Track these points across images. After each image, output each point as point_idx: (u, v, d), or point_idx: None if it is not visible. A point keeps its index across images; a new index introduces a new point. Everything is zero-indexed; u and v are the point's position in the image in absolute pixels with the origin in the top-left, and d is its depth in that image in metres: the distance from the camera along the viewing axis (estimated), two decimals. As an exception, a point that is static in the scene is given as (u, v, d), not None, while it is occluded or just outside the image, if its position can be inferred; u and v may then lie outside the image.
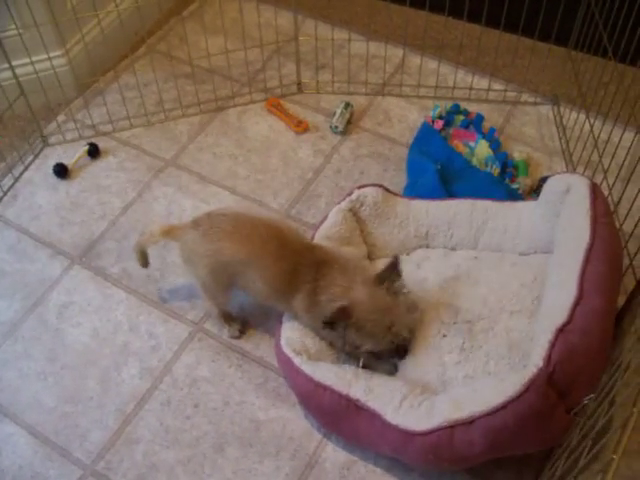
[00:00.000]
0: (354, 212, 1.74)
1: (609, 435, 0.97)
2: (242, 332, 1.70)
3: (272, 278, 1.51)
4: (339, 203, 1.75)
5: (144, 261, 1.71)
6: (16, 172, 2.04)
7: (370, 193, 1.74)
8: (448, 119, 2.08)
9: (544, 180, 1.71)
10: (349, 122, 2.14)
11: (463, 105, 2.14)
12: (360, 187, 1.76)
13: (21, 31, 1.95)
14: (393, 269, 1.46)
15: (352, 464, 1.48)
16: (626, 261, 1.62)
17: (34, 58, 2.00)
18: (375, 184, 1.77)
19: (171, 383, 1.61)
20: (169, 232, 1.61)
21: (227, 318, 1.68)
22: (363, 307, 1.42)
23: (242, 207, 1.90)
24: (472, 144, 2.02)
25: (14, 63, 1.97)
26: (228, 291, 1.62)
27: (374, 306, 1.43)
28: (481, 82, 2.22)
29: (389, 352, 1.49)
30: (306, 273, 1.48)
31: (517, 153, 2.02)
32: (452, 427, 1.28)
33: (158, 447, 1.52)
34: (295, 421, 1.55)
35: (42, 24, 1.94)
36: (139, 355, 1.66)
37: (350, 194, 1.75)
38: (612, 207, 1.63)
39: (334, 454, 1.49)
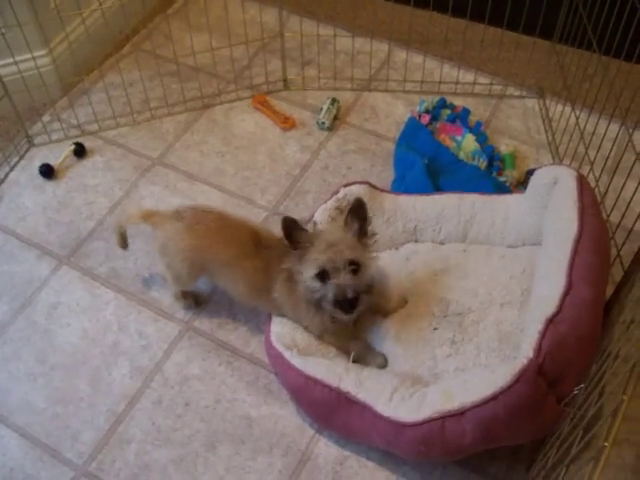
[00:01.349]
0: (341, 210, 1.74)
1: (600, 424, 0.97)
2: (198, 304, 1.73)
3: (249, 278, 1.54)
4: (325, 202, 1.75)
5: (123, 242, 1.71)
6: (1, 173, 2.02)
7: (357, 190, 1.74)
8: (434, 113, 2.08)
9: (531, 173, 1.72)
10: (336, 118, 2.14)
11: (449, 99, 2.14)
12: (346, 185, 1.76)
13: (4, 31, 1.93)
14: (359, 209, 1.44)
15: (345, 459, 1.48)
16: (613, 252, 1.63)
17: (18, 58, 1.99)
18: (361, 181, 1.77)
19: (162, 382, 1.61)
20: (149, 217, 1.62)
21: (183, 293, 1.71)
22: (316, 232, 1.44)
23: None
24: (459, 138, 2.02)
25: (-3, 63, 1.97)
26: (197, 280, 1.66)
27: (324, 234, 1.44)
28: (467, 76, 2.22)
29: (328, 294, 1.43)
30: (279, 263, 1.49)
31: (504, 146, 2.03)
32: (443, 418, 1.28)
33: (150, 446, 1.51)
34: (287, 417, 1.55)
35: (25, 23, 1.93)
36: (129, 355, 1.65)
37: (336, 192, 1.75)
38: (599, 198, 1.63)
39: (327, 449, 1.50)
